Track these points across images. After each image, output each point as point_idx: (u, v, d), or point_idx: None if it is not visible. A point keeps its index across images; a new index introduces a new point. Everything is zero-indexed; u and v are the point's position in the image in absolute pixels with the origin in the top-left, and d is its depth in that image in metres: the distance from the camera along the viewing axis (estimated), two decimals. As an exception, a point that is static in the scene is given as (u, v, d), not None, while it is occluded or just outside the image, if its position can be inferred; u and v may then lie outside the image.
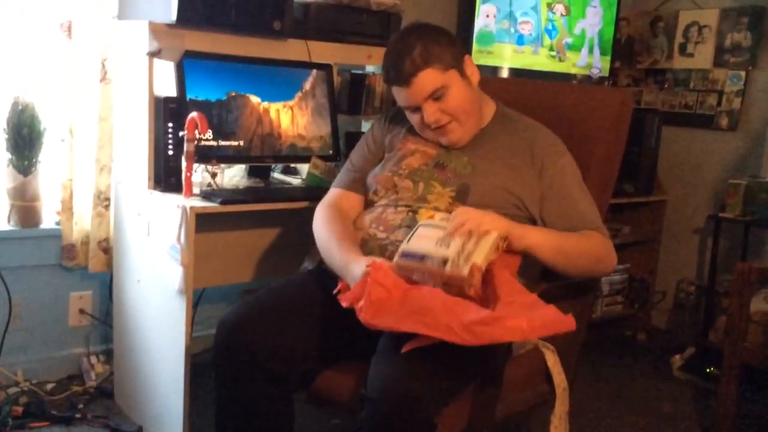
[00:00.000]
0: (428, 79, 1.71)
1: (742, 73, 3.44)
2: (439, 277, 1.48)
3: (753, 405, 2.80)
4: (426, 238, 1.54)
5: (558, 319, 1.41)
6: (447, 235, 1.52)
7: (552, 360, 1.71)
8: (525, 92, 2.14)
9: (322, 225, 1.83)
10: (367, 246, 1.69)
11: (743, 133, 3.46)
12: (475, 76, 1.80)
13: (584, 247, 1.71)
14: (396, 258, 1.53)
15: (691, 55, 3.65)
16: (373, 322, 1.42)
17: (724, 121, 3.52)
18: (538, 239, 1.64)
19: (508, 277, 1.54)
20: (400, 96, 1.76)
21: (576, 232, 1.72)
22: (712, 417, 2.59)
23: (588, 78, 3.58)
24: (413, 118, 1.80)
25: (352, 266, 1.61)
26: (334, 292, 1.58)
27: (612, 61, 3.70)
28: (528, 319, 1.38)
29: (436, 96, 1.73)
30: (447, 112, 1.74)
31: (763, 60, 3.39)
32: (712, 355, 3.01)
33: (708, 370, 3.04)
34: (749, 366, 2.42)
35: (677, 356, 3.19)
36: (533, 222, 1.75)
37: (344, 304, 1.50)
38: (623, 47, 3.85)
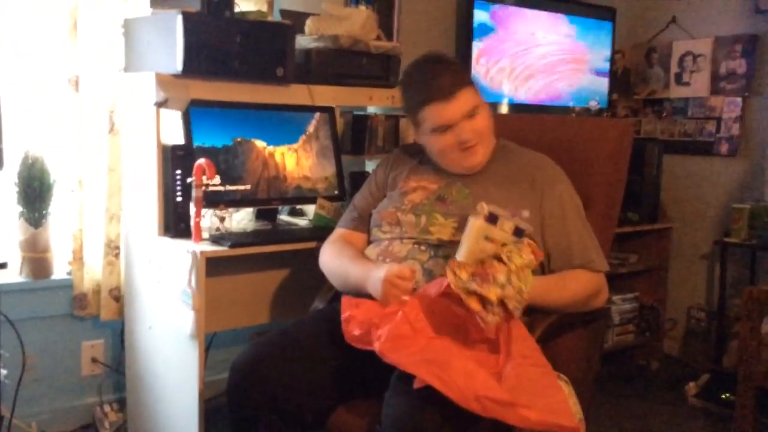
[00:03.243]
0: (468, 96, 1.78)
1: (739, 100, 3.49)
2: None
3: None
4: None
5: (565, 415, 1.43)
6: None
7: (567, 391, 1.71)
8: (525, 126, 2.18)
9: (331, 257, 1.87)
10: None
11: (744, 158, 3.49)
12: None
13: (573, 291, 1.75)
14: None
15: (688, 83, 3.70)
16: (387, 355, 1.42)
17: (724, 147, 3.55)
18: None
19: (524, 333, 1.57)
20: (439, 113, 1.76)
21: (565, 271, 1.76)
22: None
23: (587, 110, 3.63)
24: (441, 140, 1.80)
25: (374, 272, 1.65)
26: (343, 317, 1.58)
27: (609, 93, 3.76)
28: (538, 412, 1.39)
29: (472, 114, 1.78)
30: (477, 131, 1.79)
31: (760, 86, 3.44)
32: (727, 380, 2.99)
33: (723, 396, 3.01)
34: (765, 389, 2.40)
35: (692, 384, 3.17)
36: None
37: (353, 333, 1.50)
38: (620, 79, 3.91)
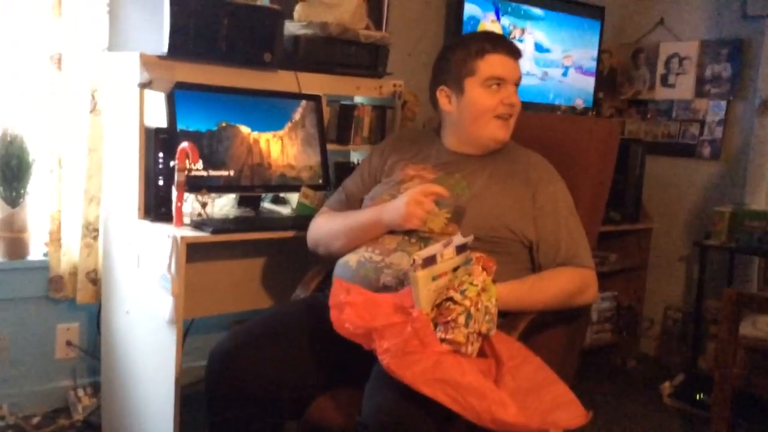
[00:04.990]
0: (519, 67, 1.89)
1: (723, 103, 3.51)
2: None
3: (744, 430, 2.80)
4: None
5: (573, 406, 1.47)
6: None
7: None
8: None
9: (326, 221, 1.92)
10: (362, 267, 1.70)
11: (726, 161, 3.51)
12: None
13: (551, 292, 1.75)
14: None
15: (673, 85, 3.72)
16: (396, 372, 1.39)
17: (706, 150, 3.58)
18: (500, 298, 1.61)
19: (503, 336, 1.58)
20: (503, 63, 1.84)
21: (545, 272, 1.77)
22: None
23: (572, 109, 3.64)
24: (488, 97, 1.84)
25: (389, 203, 1.73)
26: (332, 302, 1.55)
27: (595, 92, 3.77)
28: (551, 425, 1.42)
29: (517, 84, 1.87)
30: (516, 104, 1.86)
31: (744, 90, 3.46)
32: (702, 381, 3.02)
33: (697, 397, 3.04)
34: (741, 392, 2.42)
35: (667, 383, 3.20)
36: (527, 245, 1.78)
37: (345, 326, 1.49)
38: (606, 78, 3.92)
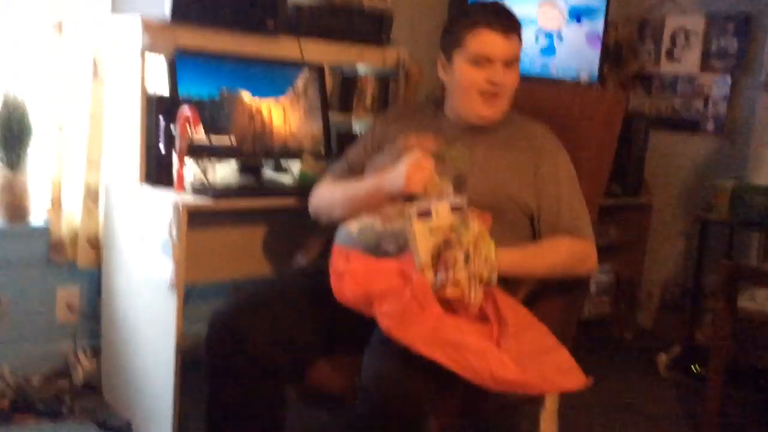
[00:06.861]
0: (516, 46, 1.80)
1: (729, 78, 3.49)
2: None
3: (737, 403, 2.83)
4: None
5: (573, 372, 1.49)
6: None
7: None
8: (517, 93, 2.16)
9: (328, 189, 1.92)
10: (363, 235, 1.70)
11: (729, 136, 3.50)
12: None
13: (551, 260, 1.75)
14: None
15: (678, 60, 3.69)
16: (395, 334, 1.40)
17: (710, 125, 3.56)
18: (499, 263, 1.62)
19: (510, 300, 1.59)
20: (489, 41, 1.76)
21: (544, 240, 1.77)
22: (698, 415, 2.62)
23: (577, 83, 3.61)
24: (472, 74, 1.79)
25: (390, 170, 1.71)
26: (333, 270, 1.56)
27: (600, 66, 3.74)
28: (550, 381, 1.45)
29: (510, 63, 1.78)
30: (506, 83, 1.80)
31: (749, 65, 3.43)
32: (698, 354, 3.04)
33: (693, 369, 3.07)
34: (735, 364, 2.44)
35: (663, 355, 3.22)
36: (528, 214, 1.78)
37: (345, 294, 1.49)
38: (612, 52, 3.89)
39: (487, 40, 1.76)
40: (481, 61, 1.77)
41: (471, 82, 1.80)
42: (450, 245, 1.49)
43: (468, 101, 1.82)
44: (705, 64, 3.58)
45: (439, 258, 1.49)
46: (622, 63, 3.90)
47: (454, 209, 1.56)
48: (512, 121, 1.90)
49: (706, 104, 3.58)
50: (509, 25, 1.77)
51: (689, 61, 3.64)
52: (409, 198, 1.72)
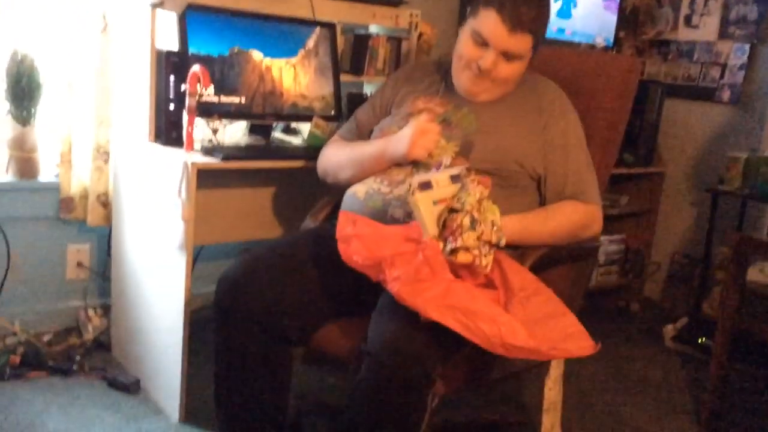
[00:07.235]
0: (523, 43, 1.72)
1: (747, 47, 3.42)
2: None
3: (742, 376, 2.84)
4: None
5: (581, 336, 1.48)
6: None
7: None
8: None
9: (336, 150, 1.91)
10: (370, 199, 1.70)
11: (745, 107, 3.45)
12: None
13: (555, 225, 1.74)
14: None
15: (696, 26, 3.62)
16: (407, 299, 1.39)
17: (726, 95, 3.51)
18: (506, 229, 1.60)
19: (516, 265, 1.58)
20: (492, 26, 1.69)
21: (550, 205, 1.76)
22: (703, 386, 2.63)
23: (592, 47, 3.55)
24: (468, 46, 1.75)
25: (395, 135, 1.71)
26: (340, 235, 1.55)
27: (617, 31, 3.67)
28: (558, 346, 1.44)
29: (509, 58, 1.73)
30: (496, 74, 1.75)
31: (769, 34, 3.37)
32: (705, 325, 3.04)
33: (700, 341, 3.07)
34: (741, 336, 2.44)
35: (670, 326, 3.22)
36: (535, 178, 1.77)
37: (354, 258, 1.49)
38: (628, 17, 3.82)
39: (491, 25, 1.70)
40: (479, 40, 1.73)
41: (462, 54, 1.77)
42: (454, 212, 1.49)
43: (457, 71, 1.81)
44: (723, 31, 3.51)
45: (445, 226, 1.49)
46: (639, 28, 3.83)
47: (453, 177, 1.55)
48: (524, 80, 1.86)
49: (722, 73, 3.52)
50: (521, 21, 1.68)
51: (708, 27, 3.57)
52: (415, 163, 1.71)
